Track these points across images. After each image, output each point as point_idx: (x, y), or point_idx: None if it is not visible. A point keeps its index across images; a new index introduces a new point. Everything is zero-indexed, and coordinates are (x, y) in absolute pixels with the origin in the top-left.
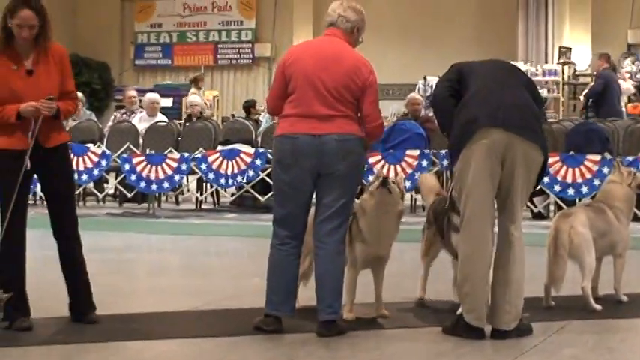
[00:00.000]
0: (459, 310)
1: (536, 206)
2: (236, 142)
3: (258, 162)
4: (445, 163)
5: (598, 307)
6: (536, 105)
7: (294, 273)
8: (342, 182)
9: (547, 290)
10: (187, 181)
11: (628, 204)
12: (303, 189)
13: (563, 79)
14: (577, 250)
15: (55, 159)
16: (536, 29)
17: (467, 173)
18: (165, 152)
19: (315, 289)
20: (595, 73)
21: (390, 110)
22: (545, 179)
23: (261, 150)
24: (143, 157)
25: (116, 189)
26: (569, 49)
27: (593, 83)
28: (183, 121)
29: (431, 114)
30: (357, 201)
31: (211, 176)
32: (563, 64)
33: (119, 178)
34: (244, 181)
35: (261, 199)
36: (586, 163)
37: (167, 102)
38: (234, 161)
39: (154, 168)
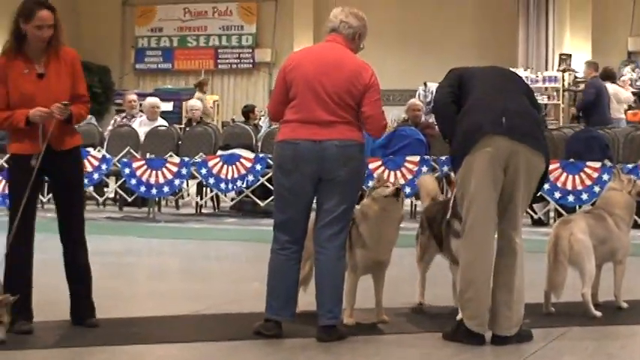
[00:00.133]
0: (459, 316)
1: (536, 213)
2: (236, 147)
3: (258, 167)
4: (445, 168)
5: (598, 313)
6: (534, 104)
7: (295, 278)
8: (342, 188)
9: (547, 297)
10: (187, 185)
11: (628, 211)
12: (303, 194)
13: (563, 86)
14: (577, 257)
15: (66, 162)
16: (536, 36)
17: (469, 180)
18: (166, 156)
19: (316, 294)
20: (585, 82)
21: (391, 116)
22: (546, 186)
23: (261, 155)
24: (143, 162)
25: (116, 193)
26: (570, 56)
27: (584, 93)
28: (183, 126)
29: (431, 120)
30: (356, 206)
31: (211, 181)
32: (564, 71)
33: (119, 182)
34: (244, 185)
35: (261, 203)
36: (586, 170)
37: (167, 106)
38: (234, 166)
39: (154, 172)
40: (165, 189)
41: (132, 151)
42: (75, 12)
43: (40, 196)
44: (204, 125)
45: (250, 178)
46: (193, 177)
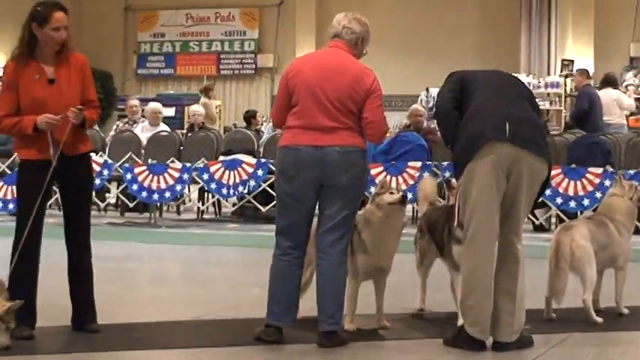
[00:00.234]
0: (459, 322)
1: (537, 218)
2: (238, 152)
3: (259, 172)
4: (447, 174)
5: (599, 319)
6: (535, 109)
7: (296, 284)
8: (344, 194)
9: (548, 303)
10: (189, 190)
11: (630, 217)
12: (305, 200)
13: (565, 91)
14: (578, 263)
15: (77, 167)
16: (538, 41)
17: (472, 188)
18: (167, 162)
19: (317, 300)
20: (576, 90)
21: (393, 122)
22: (547, 191)
23: (263, 160)
24: (145, 167)
25: (118, 198)
26: (572, 62)
27: (577, 102)
28: (185, 131)
29: (433, 125)
30: (359, 212)
31: (213, 186)
32: (566, 76)
33: (121, 188)
34: (246, 191)
35: (263, 209)
36: (588, 175)
37: (169, 112)
38: (235, 171)
39: (155, 177)
40: (167, 194)
41: (134, 156)
42: (77, 17)
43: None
44: (207, 130)
45: (252, 183)
46: (195, 182)
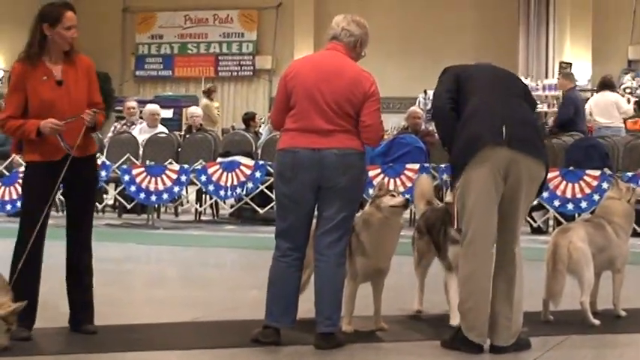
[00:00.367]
0: (452, 322)
1: (535, 221)
2: (236, 154)
3: (257, 174)
4: (445, 176)
5: (597, 322)
6: (531, 107)
7: (295, 285)
8: (342, 195)
9: (546, 305)
10: (187, 192)
11: (627, 219)
12: (303, 202)
13: (563, 94)
14: (576, 266)
15: (84, 169)
16: (536, 44)
17: (469, 193)
18: (165, 163)
19: (315, 301)
20: (561, 94)
21: (391, 124)
22: (545, 194)
23: (260, 162)
24: (143, 168)
25: (115, 200)
26: (570, 64)
27: (562, 108)
28: (183, 133)
29: (431, 128)
30: (357, 214)
31: (211, 188)
32: None
33: (119, 189)
34: (244, 192)
35: (261, 211)
36: (585, 178)
37: (167, 113)
38: (233, 173)
39: (153, 179)
40: (165, 196)
41: (131, 157)
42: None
43: None
44: (204, 132)
45: (250, 185)
46: (193, 184)
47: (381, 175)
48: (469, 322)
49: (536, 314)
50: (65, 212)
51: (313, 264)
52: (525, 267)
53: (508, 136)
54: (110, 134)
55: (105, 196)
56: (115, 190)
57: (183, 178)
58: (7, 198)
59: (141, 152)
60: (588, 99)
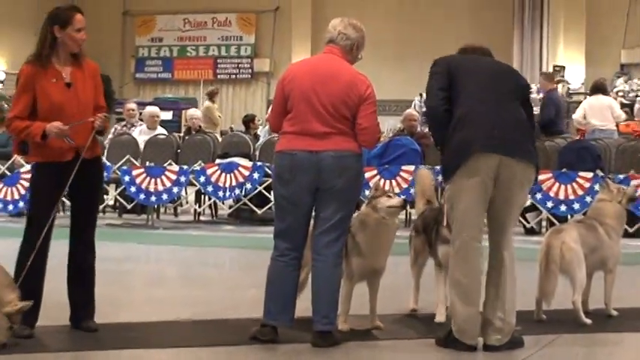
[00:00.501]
0: (437, 318)
1: (528, 222)
2: (234, 156)
3: (255, 175)
4: (439, 178)
5: (588, 321)
6: (527, 108)
7: (293, 284)
8: (339, 197)
9: (538, 304)
10: (186, 193)
11: (619, 220)
12: (301, 203)
13: None
14: (568, 266)
15: (91, 170)
16: (531, 48)
17: (459, 199)
18: (165, 164)
19: (312, 300)
20: (542, 94)
21: (387, 126)
22: (538, 195)
23: (258, 163)
24: (143, 169)
25: (116, 200)
26: (563, 68)
27: (544, 110)
28: (182, 134)
29: (426, 130)
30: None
31: (210, 188)
32: (557, 82)
33: (119, 190)
34: (242, 193)
35: (259, 211)
36: (578, 180)
37: (167, 115)
38: (232, 174)
39: (153, 180)
40: (164, 196)
41: (131, 159)
42: None
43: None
44: (203, 134)
45: (248, 186)
46: (192, 185)
47: (377, 177)
48: (459, 325)
49: (529, 313)
50: (70, 213)
51: (311, 263)
52: (518, 267)
53: (498, 142)
54: (110, 136)
55: (105, 196)
56: (116, 190)
57: (183, 179)
58: (9, 198)
59: (141, 153)
60: (581, 102)
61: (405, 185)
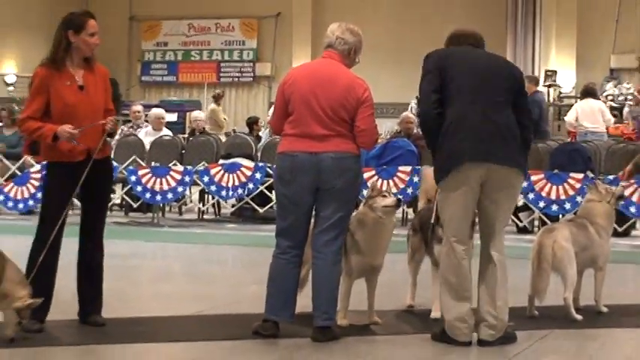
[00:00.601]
0: (433, 314)
1: (521, 221)
2: (237, 156)
3: (257, 175)
4: None
5: (579, 317)
6: (521, 98)
7: (294, 281)
8: (339, 197)
9: (531, 301)
10: (190, 192)
11: (608, 220)
12: (302, 203)
13: (548, 100)
14: (560, 264)
15: (101, 170)
16: (523, 53)
17: (447, 205)
18: (170, 165)
19: (312, 297)
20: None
21: (384, 128)
22: (531, 195)
23: (260, 164)
24: (148, 169)
25: (122, 199)
26: (555, 72)
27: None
28: (187, 136)
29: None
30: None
31: (213, 188)
32: (549, 86)
33: (125, 189)
34: (244, 193)
35: (260, 210)
36: (569, 180)
37: (172, 117)
38: (235, 174)
39: (158, 180)
40: (169, 195)
41: (138, 159)
42: None
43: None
44: (207, 135)
45: (250, 185)
46: (196, 184)
47: (375, 177)
48: (451, 323)
49: (522, 309)
50: (80, 212)
51: (311, 261)
52: (512, 265)
53: (486, 150)
54: (117, 137)
55: (112, 195)
56: (122, 190)
57: (187, 178)
58: (19, 197)
59: (146, 154)
60: (572, 105)
61: (402, 185)
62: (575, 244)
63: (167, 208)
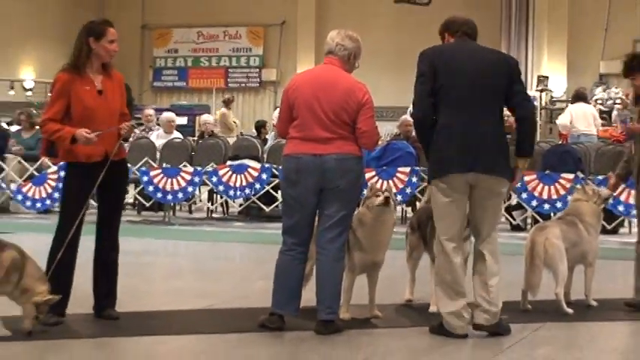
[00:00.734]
0: (431, 308)
1: (515, 219)
2: (244, 158)
3: (264, 176)
4: None
5: (570, 311)
6: (516, 85)
7: (299, 276)
8: (342, 196)
9: (524, 295)
10: (200, 192)
11: (597, 219)
12: (307, 202)
13: (541, 104)
14: (551, 260)
15: (118, 171)
16: (517, 59)
17: (436, 206)
18: (180, 166)
19: (316, 292)
20: None
21: (384, 131)
22: (524, 195)
23: (266, 165)
24: (160, 170)
25: (135, 199)
26: (547, 78)
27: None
28: (196, 138)
29: None
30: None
31: (221, 188)
32: (541, 91)
33: (138, 189)
34: (251, 192)
35: (266, 209)
36: (560, 181)
37: (182, 120)
38: (242, 175)
39: (169, 180)
40: (180, 195)
41: (150, 160)
42: None
43: None
44: (216, 138)
45: (257, 186)
46: (205, 184)
47: (376, 178)
48: (447, 319)
49: (516, 303)
50: (97, 211)
51: (315, 257)
52: (506, 261)
53: (473, 159)
54: (130, 139)
55: (125, 195)
56: (135, 189)
57: (197, 179)
58: (37, 197)
59: (158, 156)
60: (563, 108)
61: (401, 185)
62: (565, 241)
63: (177, 207)
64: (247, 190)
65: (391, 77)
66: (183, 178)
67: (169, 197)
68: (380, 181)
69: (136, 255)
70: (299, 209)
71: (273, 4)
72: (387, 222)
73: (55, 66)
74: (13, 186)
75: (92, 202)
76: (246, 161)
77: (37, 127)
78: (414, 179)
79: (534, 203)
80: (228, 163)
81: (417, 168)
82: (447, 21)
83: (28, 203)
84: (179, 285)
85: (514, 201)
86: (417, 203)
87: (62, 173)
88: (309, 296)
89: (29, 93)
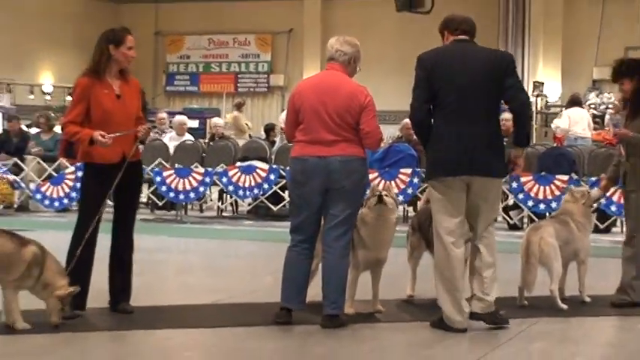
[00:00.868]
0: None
1: (511, 218)
2: (253, 159)
3: (272, 177)
4: None
5: (565, 306)
6: (510, 78)
7: (305, 272)
8: (346, 196)
9: (521, 292)
10: (210, 192)
11: (586, 218)
12: (313, 202)
13: (536, 109)
14: (546, 258)
15: (133, 172)
16: None
17: (434, 209)
18: (192, 167)
19: (322, 287)
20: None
21: (386, 134)
22: (520, 195)
23: (274, 166)
24: (172, 171)
25: (149, 198)
26: (542, 83)
27: None
28: (207, 140)
29: None
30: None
31: (231, 188)
32: (537, 96)
33: (151, 189)
34: (260, 192)
35: (274, 208)
36: (555, 182)
37: (194, 123)
38: (251, 176)
39: (181, 180)
40: (191, 195)
41: (162, 161)
42: None
43: None
44: (226, 140)
45: (265, 186)
46: (215, 185)
47: (379, 179)
48: (447, 314)
49: (512, 299)
50: (113, 210)
51: (321, 255)
52: (503, 259)
53: (469, 163)
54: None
55: (140, 195)
56: (149, 189)
57: (207, 179)
58: (55, 196)
59: (171, 157)
60: (557, 113)
61: (403, 186)
62: (559, 239)
63: (189, 206)
64: (256, 190)
65: (393, 82)
66: (194, 178)
67: (181, 197)
68: (382, 182)
69: (149, 252)
70: (305, 208)
71: (281, 13)
72: (389, 221)
73: (72, 71)
74: (32, 185)
75: (108, 201)
76: (255, 162)
77: (55, 129)
78: (416, 180)
79: (530, 203)
80: (238, 164)
81: (419, 169)
82: (446, 19)
83: (47, 202)
84: (190, 281)
85: (511, 201)
86: (418, 203)
87: (79, 173)
88: (315, 292)
89: (48, 97)
